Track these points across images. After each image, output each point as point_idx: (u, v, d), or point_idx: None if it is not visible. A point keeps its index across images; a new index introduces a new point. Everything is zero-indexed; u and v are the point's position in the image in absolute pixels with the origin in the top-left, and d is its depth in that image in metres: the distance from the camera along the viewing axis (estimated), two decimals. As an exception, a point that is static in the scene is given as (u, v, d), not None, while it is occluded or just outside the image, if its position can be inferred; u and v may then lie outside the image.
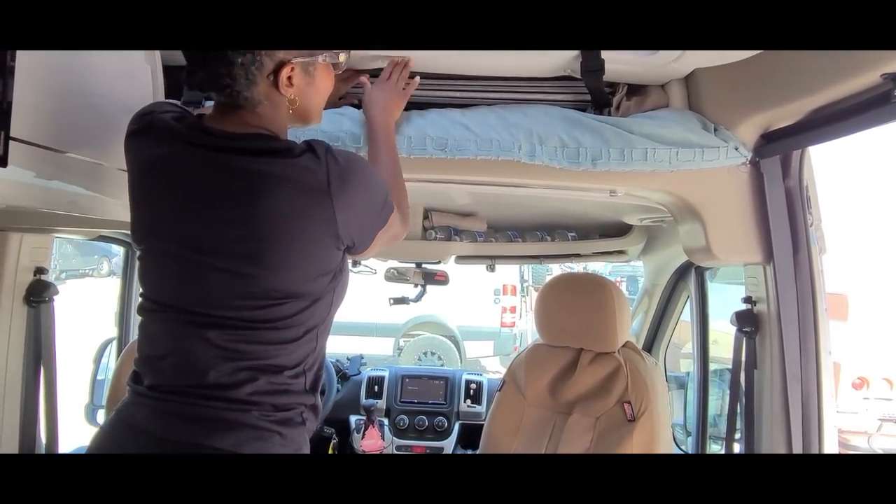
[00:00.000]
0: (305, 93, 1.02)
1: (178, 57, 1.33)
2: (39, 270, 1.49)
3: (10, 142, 0.81)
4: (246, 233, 0.94)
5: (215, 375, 0.95)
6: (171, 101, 1.19)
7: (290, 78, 0.98)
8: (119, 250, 2.44)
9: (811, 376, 1.36)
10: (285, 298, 0.96)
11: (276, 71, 0.97)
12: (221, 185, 0.95)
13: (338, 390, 2.59)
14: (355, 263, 2.37)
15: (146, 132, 1.01)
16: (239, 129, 0.98)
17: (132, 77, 1.25)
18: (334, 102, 1.37)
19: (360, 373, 2.70)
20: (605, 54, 1.29)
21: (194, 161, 0.97)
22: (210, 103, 1.33)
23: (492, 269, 2.39)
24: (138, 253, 1.04)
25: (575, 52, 1.30)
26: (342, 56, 1.06)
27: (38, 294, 1.48)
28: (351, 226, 0.99)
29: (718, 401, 2.08)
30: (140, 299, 1.04)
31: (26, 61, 0.80)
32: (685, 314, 2.29)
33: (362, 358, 2.77)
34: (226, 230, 0.94)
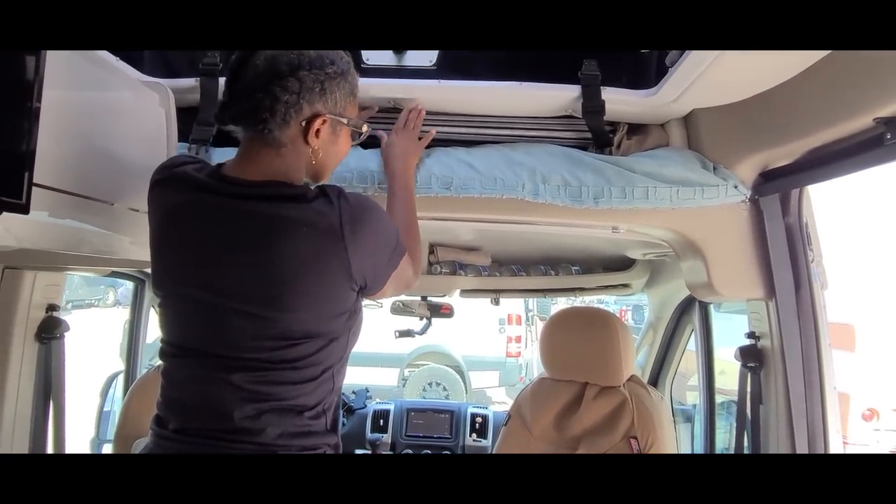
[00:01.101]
0: (328, 149, 1.07)
1: (189, 98, 1.38)
2: (51, 307, 1.52)
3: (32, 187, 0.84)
4: (264, 276, 0.97)
5: (239, 416, 0.97)
6: (190, 155, 1.24)
7: (318, 131, 1.02)
8: (125, 281, 2.46)
9: (816, 411, 1.36)
10: (304, 338, 0.99)
11: (309, 120, 1.01)
12: (240, 230, 0.99)
13: (343, 424, 2.58)
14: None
15: (168, 183, 1.06)
16: (257, 176, 1.02)
17: (146, 119, 1.29)
18: None
19: (365, 406, 2.69)
20: (605, 94, 1.32)
21: (213, 208, 1.00)
22: (214, 150, 1.37)
23: (496, 302, 2.41)
24: (159, 299, 1.07)
25: (576, 93, 1.33)
26: (365, 127, 1.13)
27: (50, 331, 1.50)
28: (364, 266, 1.02)
29: (726, 434, 2.07)
30: (161, 344, 1.07)
31: (45, 106, 0.83)
32: (691, 343, 2.29)
33: (367, 391, 2.77)
34: (245, 274, 0.98)
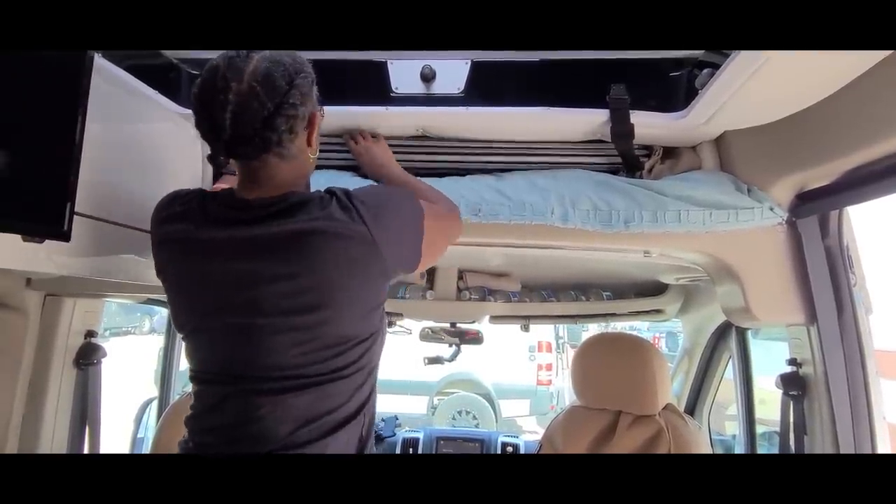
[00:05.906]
0: (314, 145, 1.07)
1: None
2: (90, 334, 1.55)
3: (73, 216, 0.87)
4: (301, 286, 0.95)
5: (292, 439, 0.96)
6: (190, 189, 1.14)
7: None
8: (160, 309, 2.50)
9: (865, 443, 1.30)
10: (350, 341, 0.98)
11: (310, 123, 1.01)
12: (267, 248, 0.96)
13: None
14: (391, 324, 2.38)
15: (180, 218, 1.03)
16: (270, 192, 1.00)
17: (182, 149, 1.33)
18: None
19: (394, 434, 2.67)
20: (634, 118, 1.32)
21: (235, 233, 0.98)
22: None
23: (526, 328, 2.38)
24: (185, 333, 1.04)
25: (605, 117, 1.33)
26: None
27: (88, 357, 1.54)
28: (398, 254, 1.02)
29: (768, 466, 1.98)
30: (194, 372, 1.04)
31: (86, 138, 0.86)
32: (728, 372, 2.23)
33: (397, 419, 2.75)
34: (282, 289, 0.95)
